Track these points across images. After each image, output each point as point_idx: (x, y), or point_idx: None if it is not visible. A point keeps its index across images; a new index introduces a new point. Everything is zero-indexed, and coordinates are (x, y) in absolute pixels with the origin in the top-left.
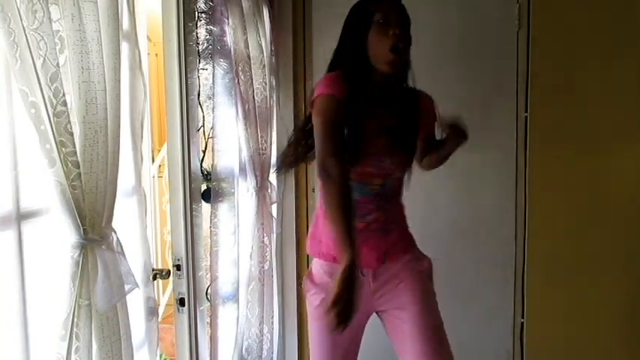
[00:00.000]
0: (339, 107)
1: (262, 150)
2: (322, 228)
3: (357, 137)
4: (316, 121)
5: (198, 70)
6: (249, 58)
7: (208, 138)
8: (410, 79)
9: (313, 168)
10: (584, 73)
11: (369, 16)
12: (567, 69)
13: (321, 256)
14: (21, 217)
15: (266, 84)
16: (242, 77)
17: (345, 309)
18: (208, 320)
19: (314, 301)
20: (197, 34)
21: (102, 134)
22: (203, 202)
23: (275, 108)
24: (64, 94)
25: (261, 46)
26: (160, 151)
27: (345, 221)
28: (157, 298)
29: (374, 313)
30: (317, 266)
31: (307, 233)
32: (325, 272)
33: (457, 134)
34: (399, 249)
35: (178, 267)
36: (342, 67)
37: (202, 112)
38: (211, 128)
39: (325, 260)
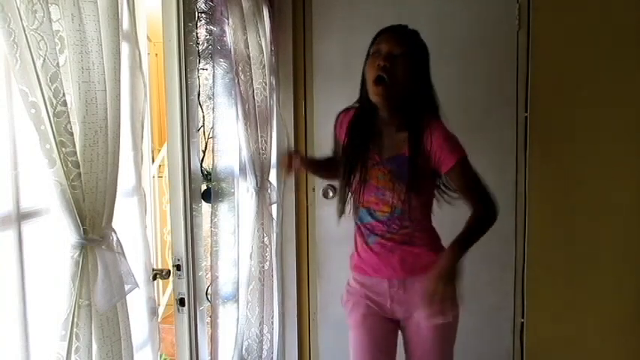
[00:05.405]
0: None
1: (262, 150)
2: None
3: (353, 167)
4: None
5: (198, 70)
6: (249, 58)
7: (208, 138)
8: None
9: None
10: (584, 73)
11: (369, 49)
12: (567, 69)
13: (355, 269)
14: (21, 217)
15: (266, 84)
16: (242, 77)
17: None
18: (208, 320)
19: (350, 308)
20: (197, 34)
21: (102, 134)
22: (203, 202)
23: (275, 108)
24: (64, 94)
25: (261, 46)
26: (159, 151)
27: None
28: (157, 298)
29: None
30: (351, 278)
31: (307, 233)
32: (357, 282)
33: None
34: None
35: (178, 267)
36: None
37: (202, 112)
38: (211, 128)
39: (357, 272)
